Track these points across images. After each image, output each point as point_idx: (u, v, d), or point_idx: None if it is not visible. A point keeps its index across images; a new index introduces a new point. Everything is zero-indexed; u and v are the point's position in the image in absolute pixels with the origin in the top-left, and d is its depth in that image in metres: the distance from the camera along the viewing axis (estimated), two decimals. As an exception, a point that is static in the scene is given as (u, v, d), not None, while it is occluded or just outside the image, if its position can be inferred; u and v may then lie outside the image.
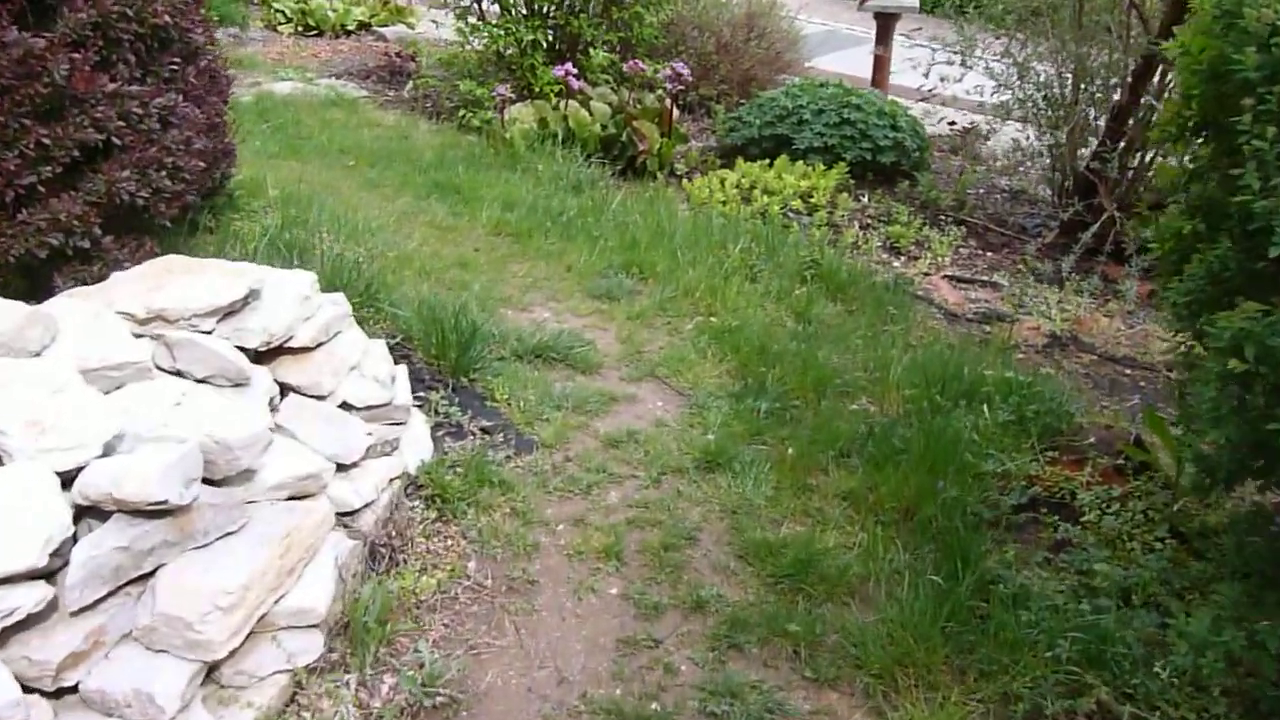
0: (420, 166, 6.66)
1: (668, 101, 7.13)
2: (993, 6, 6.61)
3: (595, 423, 3.90)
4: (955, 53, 6.49)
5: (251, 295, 3.30)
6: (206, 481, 2.73)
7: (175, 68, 3.86)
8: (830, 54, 11.01)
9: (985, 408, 3.96)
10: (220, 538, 2.69)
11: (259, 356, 3.35)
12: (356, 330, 3.71)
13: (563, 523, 3.38)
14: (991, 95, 6.54)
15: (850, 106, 7.02)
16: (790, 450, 3.74)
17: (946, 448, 3.62)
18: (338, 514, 3.06)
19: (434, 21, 9.63)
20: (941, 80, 6.58)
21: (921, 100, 7.14)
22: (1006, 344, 4.82)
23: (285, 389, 3.34)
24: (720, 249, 5.41)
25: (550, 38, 7.90)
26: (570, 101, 7.22)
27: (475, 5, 8.08)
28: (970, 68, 6.46)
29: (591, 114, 7.14)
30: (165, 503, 2.52)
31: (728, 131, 7.45)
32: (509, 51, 7.84)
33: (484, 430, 3.73)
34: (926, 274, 5.73)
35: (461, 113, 7.74)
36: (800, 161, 6.86)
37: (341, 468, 3.17)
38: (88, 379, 2.87)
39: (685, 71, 7.03)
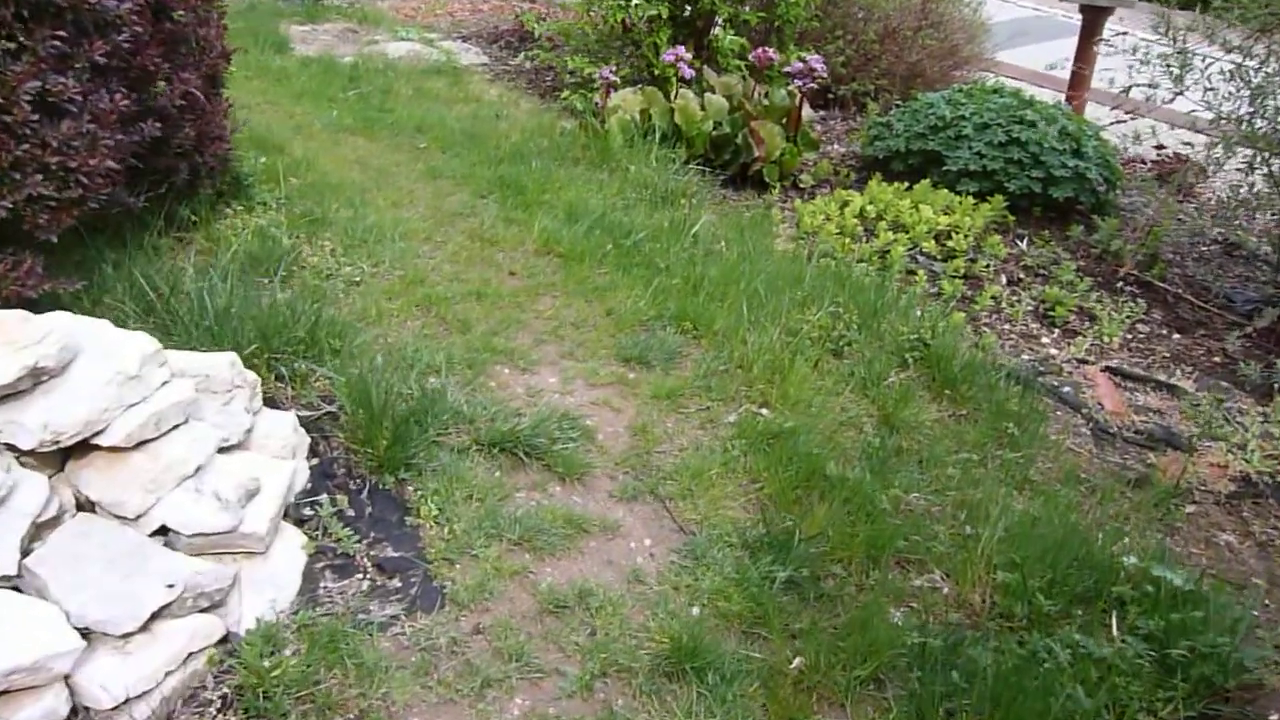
0: (495, 156, 5.62)
1: (798, 100, 5.82)
2: (1228, 12, 4.95)
3: (543, 568, 2.77)
4: (1168, 68, 4.90)
5: (43, 373, 2.34)
6: None
7: (60, 43, 2.93)
8: (1028, 45, 9.29)
9: (1112, 623, 2.62)
10: None
11: (66, 452, 2.41)
12: (247, 405, 2.72)
13: (428, 751, 2.29)
14: (1214, 117, 4.91)
15: (1023, 123, 5.51)
16: (797, 660, 2.52)
17: (1029, 701, 2.32)
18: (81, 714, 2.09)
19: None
20: (1147, 97, 5.00)
21: (1115, 108, 5.50)
22: (1173, 490, 3.39)
23: (86, 504, 2.39)
24: (806, 306, 4.14)
25: (683, 11, 6.68)
26: (685, 91, 6.02)
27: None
28: (1182, 92, 4.85)
29: (705, 108, 5.91)
30: None
31: (870, 141, 6.07)
32: (637, 24, 6.68)
33: (380, 567, 2.68)
34: (1083, 361, 4.27)
35: (565, 94, 6.66)
36: (950, 189, 5.44)
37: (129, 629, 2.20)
38: None
39: (819, 66, 5.70)
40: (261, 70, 6.79)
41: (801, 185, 5.87)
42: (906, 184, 5.52)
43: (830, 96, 7.18)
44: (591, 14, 6.86)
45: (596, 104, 6.21)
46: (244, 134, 5.32)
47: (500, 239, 4.64)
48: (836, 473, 3.14)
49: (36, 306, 2.80)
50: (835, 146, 6.66)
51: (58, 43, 2.92)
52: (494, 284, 4.23)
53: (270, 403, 3.11)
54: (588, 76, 6.53)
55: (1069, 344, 4.40)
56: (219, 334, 3.22)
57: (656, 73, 6.43)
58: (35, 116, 2.90)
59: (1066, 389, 4.00)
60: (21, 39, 2.85)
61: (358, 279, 4.07)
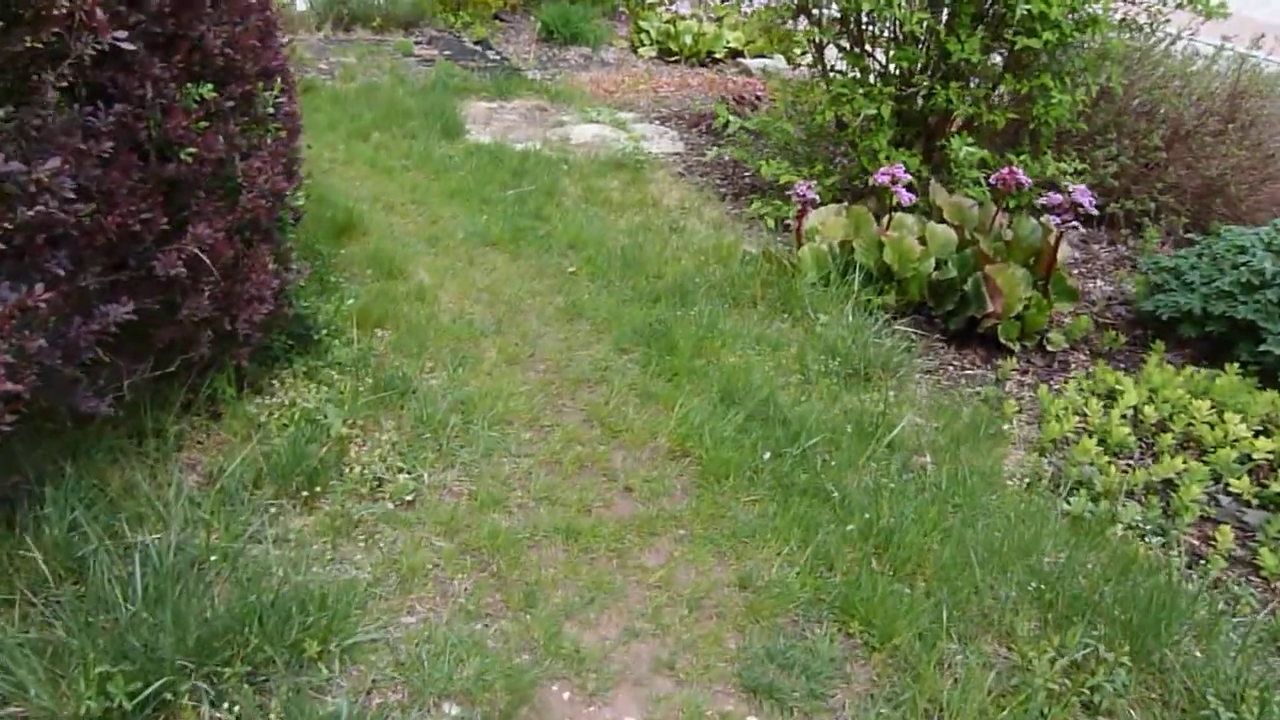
0: (653, 289, 4.42)
1: (1052, 237, 4.29)
2: None
3: None
4: None
5: None
6: None
7: None
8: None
9: None
10: None
11: None
12: None
13: None
14: None
15: (1390, 292, 3.77)
16: None
17: None
18: None
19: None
20: None
21: None
22: None
23: None
24: (1043, 606, 2.66)
25: (913, 106, 5.27)
26: (902, 217, 4.61)
27: (812, 50, 5.63)
28: None
29: (926, 241, 4.48)
30: None
31: (1149, 291, 4.44)
32: (851, 123, 5.35)
33: None
34: None
35: (754, 203, 5.39)
36: (1274, 383, 3.78)
37: None
38: None
39: (1085, 200, 4.14)
40: (422, 160, 5.92)
41: (1050, 347, 4.32)
42: (1203, 366, 3.90)
43: (1098, 214, 5.55)
44: (797, 107, 5.56)
45: (789, 223, 4.91)
46: (358, 249, 4.43)
47: (626, 427, 3.42)
48: None
49: None
50: (1099, 283, 5.04)
51: None
52: (596, 511, 3.01)
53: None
54: (784, 185, 5.24)
55: None
56: (129, 648, 2.15)
57: (870, 184, 5.06)
58: None
59: None
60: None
61: (410, 496, 2.95)
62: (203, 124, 2.68)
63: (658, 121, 7.24)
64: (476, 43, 9.01)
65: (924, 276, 4.40)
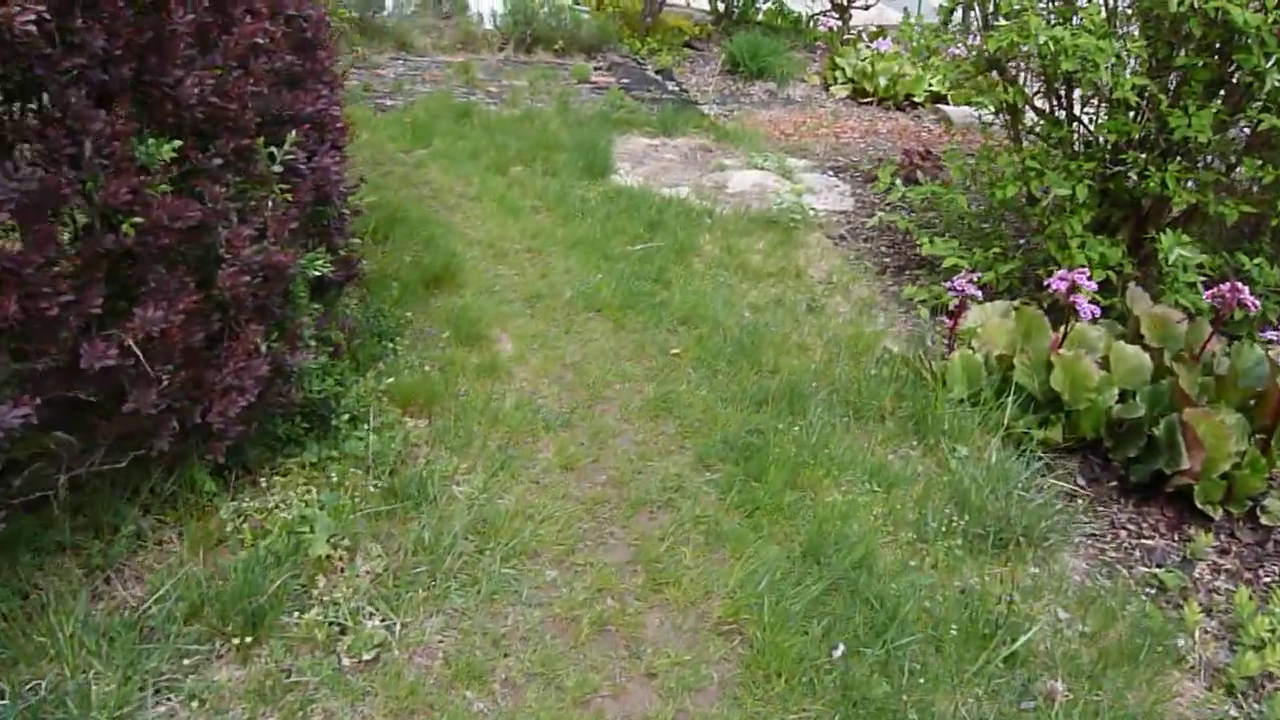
0: (763, 387, 3.68)
1: (1283, 380, 3.25)
2: None
3: None
4: None
5: None
6: None
7: None
8: None
9: None
10: None
11: None
12: None
13: None
14: None
15: None
16: None
17: None
18: None
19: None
20: None
21: None
22: None
23: None
24: None
25: (1123, 184, 4.26)
26: (1084, 329, 3.66)
27: (1003, 111, 4.71)
28: None
29: (1110, 366, 3.52)
30: None
31: None
32: (1041, 201, 4.42)
33: None
34: None
35: (908, 286, 4.54)
36: None
37: None
38: None
39: (1334, 342, 3.11)
40: (556, 201, 5.39)
41: (1266, 520, 3.28)
42: None
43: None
44: (977, 176, 4.66)
45: (943, 318, 4.06)
46: (446, 304, 3.96)
47: (675, 579, 2.72)
48: None
49: None
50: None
51: None
52: (598, 704, 2.32)
53: None
54: (948, 269, 4.36)
55: None
56: None
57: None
58: None
59: None
60: None
61: (372, 653, 2.37)
62: (163, 187, 2.20)
63: (830, 171, 6.44)
64: (658, 71, 8.47)
65: (1102, 410, 3.45)
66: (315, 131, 2.78)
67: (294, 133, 2.54)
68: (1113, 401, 3.45)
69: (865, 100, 8.11)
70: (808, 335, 4.19)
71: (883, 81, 7.88)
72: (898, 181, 4.77)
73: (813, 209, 5.67)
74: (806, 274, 4.85)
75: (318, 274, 2.81)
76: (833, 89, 8.30)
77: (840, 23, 9.14)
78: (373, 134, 6.12)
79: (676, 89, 8.06)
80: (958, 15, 4.74)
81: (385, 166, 5.66)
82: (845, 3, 9.46)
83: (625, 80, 8.07)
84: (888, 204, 5.68)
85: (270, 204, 2.50)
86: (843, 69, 8.33)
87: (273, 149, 2.51)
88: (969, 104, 4.99)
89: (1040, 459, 3.37)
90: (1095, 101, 4.57)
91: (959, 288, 3.79)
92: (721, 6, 10.06)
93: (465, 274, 4.41)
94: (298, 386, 2.77)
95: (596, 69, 8.35)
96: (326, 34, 2.92)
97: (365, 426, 3.00)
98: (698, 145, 6.71)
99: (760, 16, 10.08)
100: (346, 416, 2.99)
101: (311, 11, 2.81)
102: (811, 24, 9.93)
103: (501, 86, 7.59)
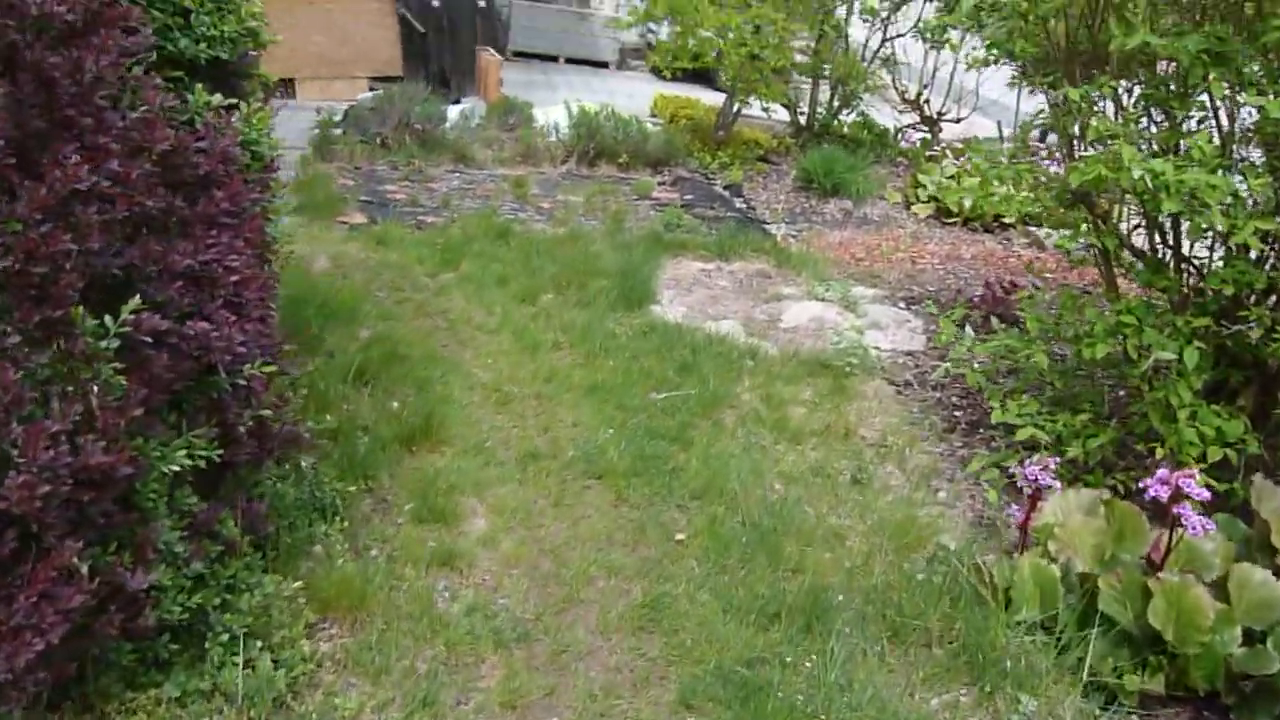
0: (780, 594, 2.94)
1: None
2: None
3: None
4: None
5: None
6: None
7: None
8: None
9: None
10: None
11: None
12: None
13: None
14: None
15: None
16: None
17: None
18: None
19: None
20: None
21: None
22: None
23: None
24: None
25: (1246, 343, 3.43)
26: (1197, 545, 2.81)
27: (1094, 254, 3.94)
28: None
29: (1229, 596, 2.67)
30: None
31: None
32: (1140, 362, 3.61)
33: None
34: None
35: (978, 459, 3.74)
36: None
37: None
38: None
39: None
40: (581, 337, 4.78)
41: None
42: None
43: None
44: (1061, 330, 3.87)
45: (1014, 510, 3.26)
46: (419, 467, 3.37)
47: None
48: None
49: None
50: None
51: None
52: None
53: None
54: (1025, 443, 3.57)
55: None
56: None
57: (1156, 455, 3.31)
58: None
59: None
60: None
61: None
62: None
63: (902, 303, 5.71)
64: (726, 187, 7.92)
65: (1220, 657, 2.59)
66: (195, 288, 2.24)
67: (136, 298, 1.99)
68: (1235, 646, 2.60)
69: (950, 221, 7.39)
70: (846, 519, 3.43)
71: (967, 201, 7.14)
72: (968, 329, 4.02)
73: (876, 348, 4.94)
74: (857, 433, 4.10)
75: (200, 460, 2.23)
76: (914, 208, 7.60)
77: (929, 135, 8.48)
78: (401, 254, 5.68)
79: (743, 206, 7.48)
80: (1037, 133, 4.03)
81: (404, 292, 5.17)
82: (935, 115, 8.81)
83: (689, 196, 7.53)
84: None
85: (95, 389, 1.94)
86: (925, 186, 7.64)
87: (105, 318, 1.96)
88: (1061, 227, 4.24)
89: (1135, 718, 2.53)
90: (1210, 236, 3.79)
91: (1031, 476, 3.00)
92: (802, 119, 9.52)
93: (453, 426, 3.81)
94: (150, 608, 2.17)
95: (661, 184, 7.85)
96: (234, 169, 2.40)
97: (246, 650, 2.37)
98: (755, 271, 6.08)
99: (844, 129, 9.50)
100: (225, 636, 2.37)
101: (204, 144, 2.30)
102: (899, 138, 9.30)
103: (555, 203, 7.13)
